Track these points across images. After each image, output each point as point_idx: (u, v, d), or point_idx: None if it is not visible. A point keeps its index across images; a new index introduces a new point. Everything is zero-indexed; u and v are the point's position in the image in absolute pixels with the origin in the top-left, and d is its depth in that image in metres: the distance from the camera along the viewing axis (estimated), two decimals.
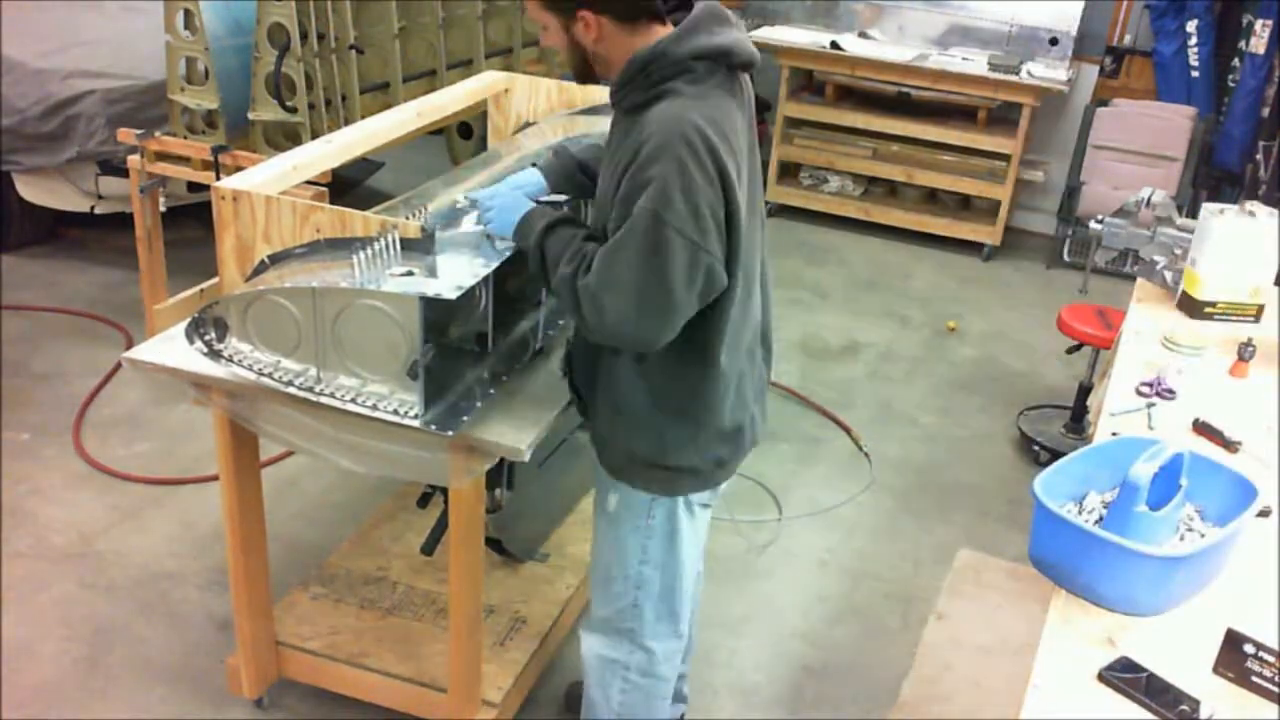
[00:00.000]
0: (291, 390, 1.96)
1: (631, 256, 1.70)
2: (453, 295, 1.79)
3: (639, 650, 2.15)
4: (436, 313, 1.99)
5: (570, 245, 1.82)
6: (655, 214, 1.68)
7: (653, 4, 1.79)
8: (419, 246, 1.89)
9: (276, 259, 2.00)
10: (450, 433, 1.89)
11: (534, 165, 2.14)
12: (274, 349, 1.99)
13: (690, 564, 2.12)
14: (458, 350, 2.14)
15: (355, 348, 1.93)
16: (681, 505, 2.03)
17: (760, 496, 3.59)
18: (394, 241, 1.89)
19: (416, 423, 1.90)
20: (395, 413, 1.91)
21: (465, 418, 1.93)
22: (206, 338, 2.03)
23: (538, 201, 1.98)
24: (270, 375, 1.99)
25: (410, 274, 1.86)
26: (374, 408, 1.93)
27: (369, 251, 1.88)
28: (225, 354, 2.02)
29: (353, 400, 1.94)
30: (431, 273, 1.86)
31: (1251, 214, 2.64)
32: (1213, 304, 2.70)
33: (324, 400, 1.95)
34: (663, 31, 1.79)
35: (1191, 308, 2.73)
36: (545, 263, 1.85)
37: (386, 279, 1.85)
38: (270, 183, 2.14)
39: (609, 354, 1.93)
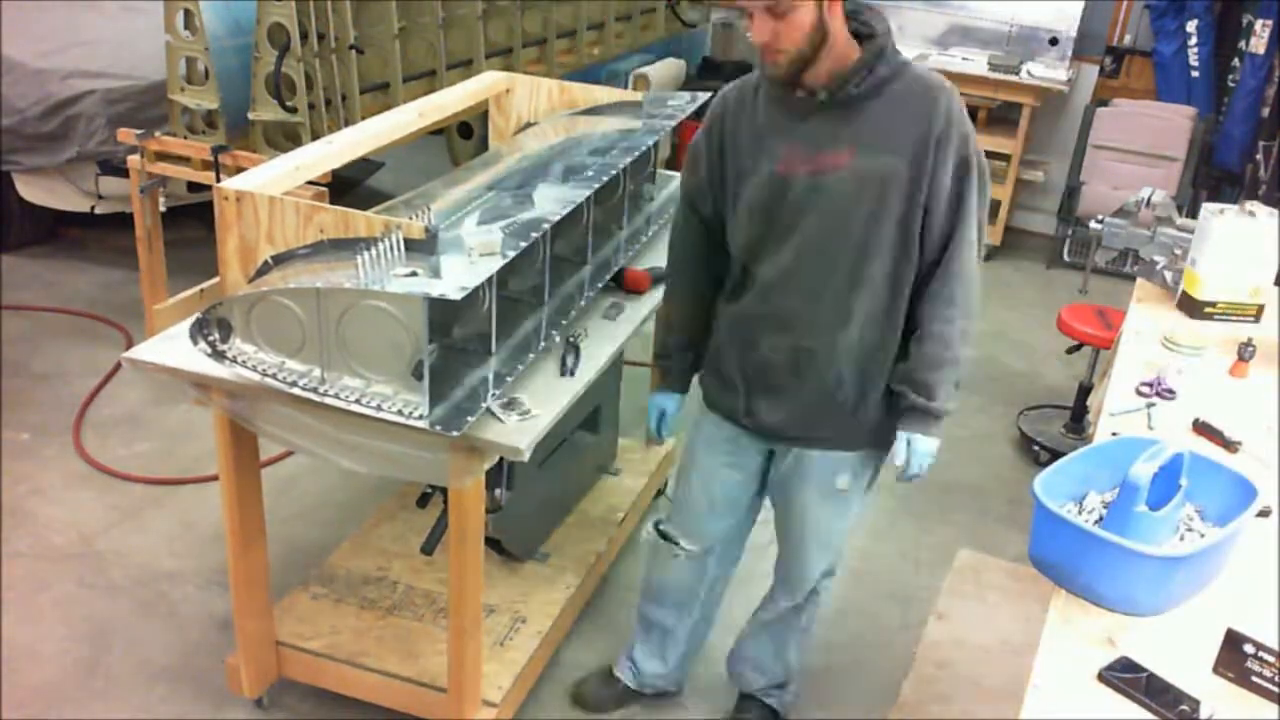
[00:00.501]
0: (296, 391, 1.96)
1: (980, 198, 2.01)
2: (457, 296, 1.79)
3: (813, 606, 2.49)
4: (440, 313, 1.98)
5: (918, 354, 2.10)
6: (979, 156, 2.00)
7: None
8: (422, 247, 1.89)
9: (280, 260, 1.99)
10: (455, 433, 1.89)
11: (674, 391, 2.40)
12: (278, 350, 1.99)
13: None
14: (461, 351, 2.13)
15: (360, 348, 1.92)
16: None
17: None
18: (398, 242, 1.89)
19: (422, 424, 1.89)
20: (400, 413, 1.91)
21: (470, 418, 1.92)
22: (210, 339, 2.03)
23: None
24: (275, 376, 1.98)
25: (415, 274, 1.86)
26: (378, 408, 1.92)
27: (373, 252, 1.87)
28: (229, 355, 2.01)
29: (357, 401, 1.93)
30: (435, 273, 1.85)
31: (1251, 214, 2.64)
32: (1213, 304, 2.70)
33: (329, 401, 1.94)
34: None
35: (1191, 308, 2.73)
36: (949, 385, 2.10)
37: (391, 279, 1.85)
38: (273, 183, 2.13)
39: (898, 314, 2.08)
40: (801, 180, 1.99)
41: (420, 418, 1.90)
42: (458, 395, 2.00)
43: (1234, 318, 2.69)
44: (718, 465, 2.33)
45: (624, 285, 2.60)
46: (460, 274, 1.86)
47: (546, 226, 2.15)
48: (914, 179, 1.95)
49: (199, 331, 2.03)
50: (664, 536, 2.47)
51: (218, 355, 2.01)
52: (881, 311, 2.06)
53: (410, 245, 1.89)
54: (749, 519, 2.46)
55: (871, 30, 1.97)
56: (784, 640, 2.57)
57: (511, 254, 1.98)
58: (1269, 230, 2.62)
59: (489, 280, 2.01)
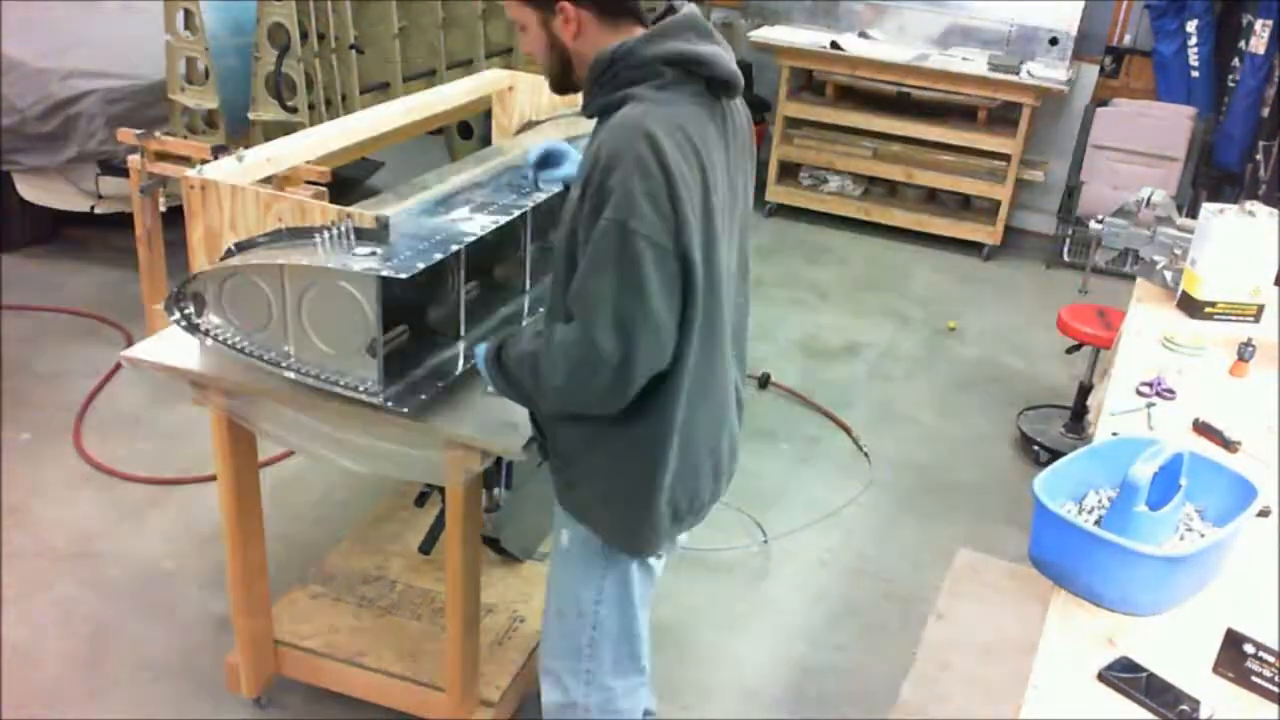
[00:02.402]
0: (261, 365, 2.01)
1: (607, 275, 1.58)
2: (404, 275, 1.83)
3: (597, 690, 2.01)
4: (407, 295, 2.06)
5: (526, 334, 1.79)
6: (621, 224, 1.56)
7: (635, 2, 1.69)
8: (373, 235, 1.94)
9: (242, 246, 2.04)
10: (405, 410, 1.93)
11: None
12: (248, 325, 2.04)
13: (648, 605, 2.00)
14: (432, 334, 2.20)
15: (321, 325, 1.97)
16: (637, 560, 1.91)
17: (760, 502, 3.59)
18: (349, 229, 1.94)
19: (376, 400, 1.94)
20: (354, 389, 1.95)
21: (423, 396, 1.97)
22: (186, 311, 2.07)
23: None
24: (243, 350, 2.03)
25: (374, 254, 1.91)
26: (334, 383, 1.97)
27: (327, 238, 1.93)
28: (203, 328, 2.06)
29: (316, 375, 1.98)
30: (391, 257, 1.90)
31: (1251, 214, 2.64)
32: (1213, 304, 2.70)
33: (289, 375, 1.99)
34: (630, 36, 1.69)
35: (1191, 308, 2.72)
36: (509, 369, 1.78)
37: (350, 259, 1.89)
38: (241, 173, 2.17)
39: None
40: None
41: (373, 394, 1.94)
42: (417, 375, 2.05)
43: (1234, 318, 2.69)
44: None
45: None
46: (420, 257, 1.91)
47: (517, 212, 2.19)
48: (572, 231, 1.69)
49: (175, 304, 2.07)
50: None
51: (192, 328, 2.06)
52: None
53: (361, 233, 1.94)
54: None
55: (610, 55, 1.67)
56: None
57: (470, 238, 2.01)
58: (1269, 230, 2.62)
59: (456, 265, 2.09)
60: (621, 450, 1.78)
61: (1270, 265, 2.66)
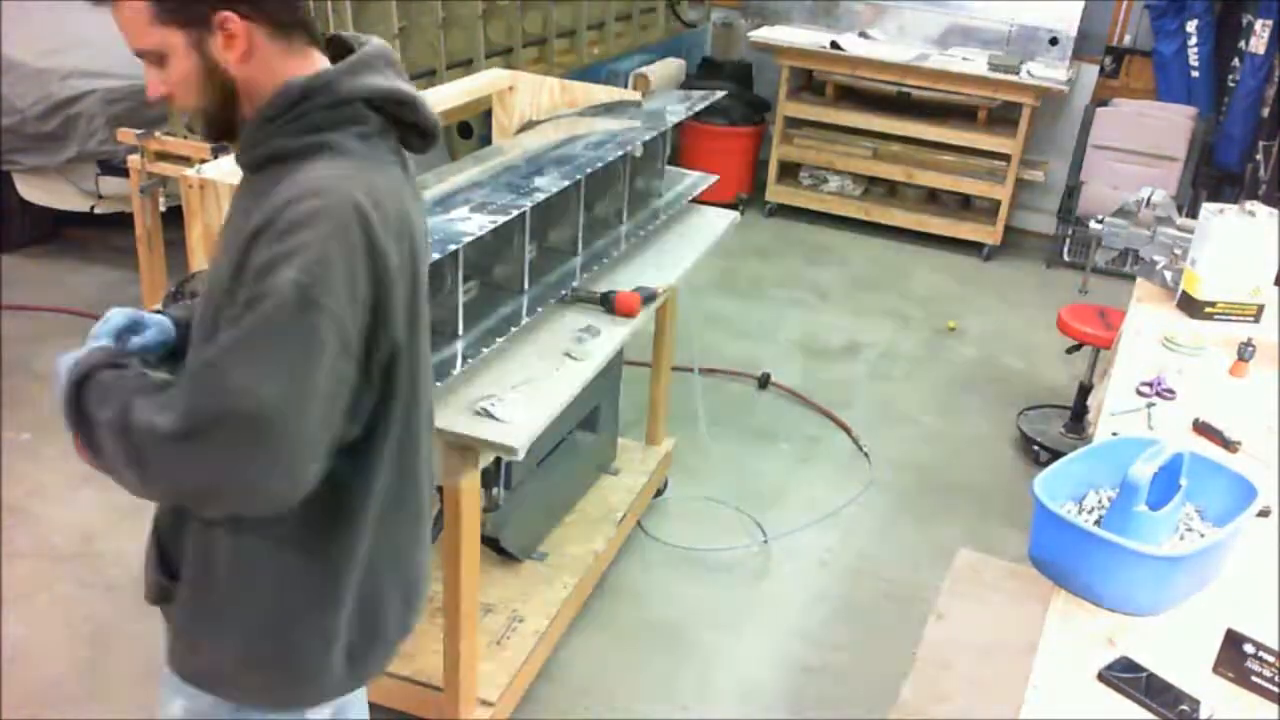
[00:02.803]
0: None
1: (269, 348, 1.18)
2: None
3: None
4: None
5: (123, 382, 1.29)
6: (304, 288, 1.17)
7: (307, 17, 1.33)
8: None
9: None
10: None
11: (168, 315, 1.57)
12: None
13: None
14: (431, 333, 2.18)
15: None
16: None
17: (759, 502, 3.59)
18: None
19: None
20: None
21: None
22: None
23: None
24: None
25: None
26: None
27: None
28: None
29: None
30: None
31: (1251, 214, 2.63)
32: (1213, 304, 2.70)
33: None
34: (323, 64, 1.34)
35: (1191, 308, 2.72)
36: (87, 415, 1.28)
37: None
38: (237, 172, 2.17)
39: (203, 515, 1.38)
40: None
41: None
42: None
43: (1234, 318, 2.69)
44: None
45: (615, 309, 2.50)
46: None
47: (516, 212, 2.19)
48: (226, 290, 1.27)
49: (173, 302, 2.06)
50: None
51: None
52: None
53: None
54: None
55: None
56: None
57: (468, 238, 2.00)
58: (1269, 230, 2.62)
59: (454, 265, 2.09)
60: (285, 581, 1.40)
61: (1270, 265, 2.66)
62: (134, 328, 1.48)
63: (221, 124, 1.35)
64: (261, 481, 1.21)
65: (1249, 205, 2.66)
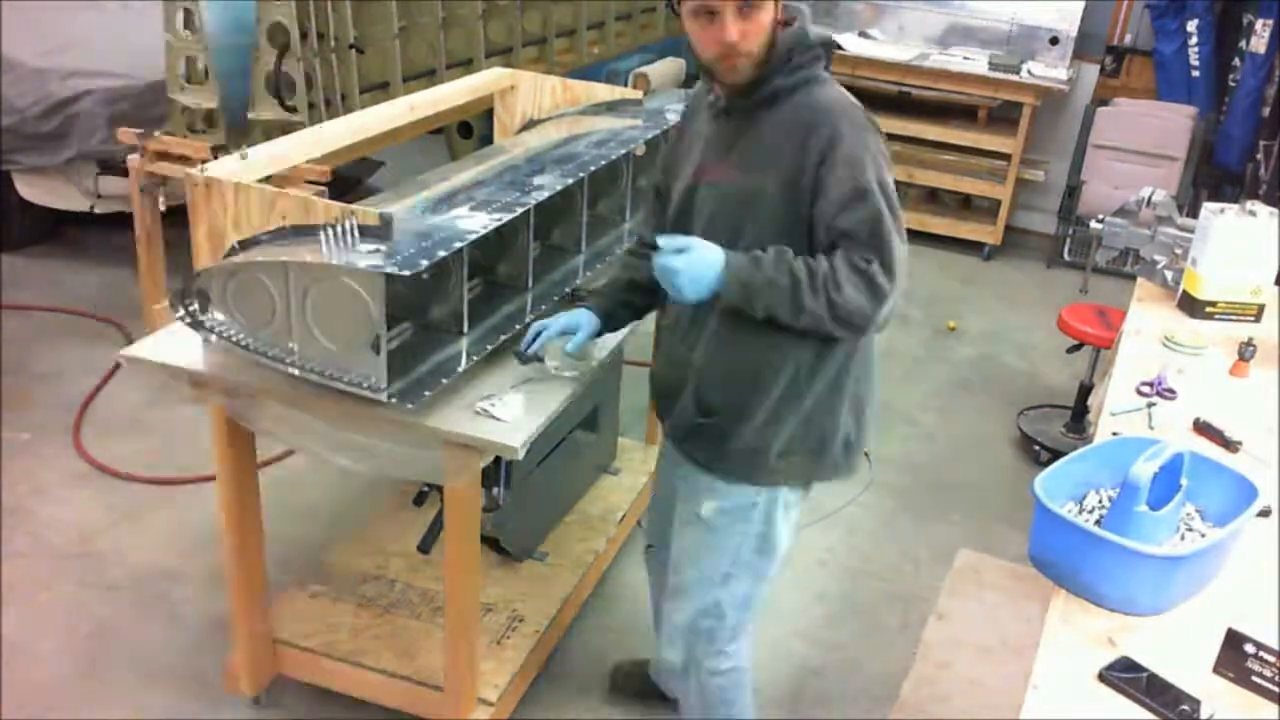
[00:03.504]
0: (266, 361, 2.01)
1: (890, 226, 1.77)
2: (409, 272, 1.84)
3: (716, 654, 2.15)
4: (410, 293, 2.07)
5: (783, 256, 1.80)
6: (884, 184, 1.78)
7: None
8: (377, 233, 1.95)
9: (245, 245, 2.04)
10: (411, 405, 1.93)
11: (584, 307, 2.13)
12: (252, 322, 2.04)
13: (778, 565, 2.12)
14: (435, 330, 2.20)
15: (325, 322, 1.97)
16: (781, 504, 2.03)
17: None
18: (353, 227, 1.95)
19: (380, 396, 1.93)
20: (359, 386, 1.95)
21: (428, 393, 1.97)
22: (191, 308, 2.07)
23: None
24: (248, 346, 2.03)
25: (378, 251, 1.91)
26: (338, 380, 1.97)
27: (331, 235, 1.94)
28: (207, 325, 2.06)
29: (320, 373, 1.97)
30: (395, 254, 1.90)
31: (1252, 214, 2.63)
32: (1213, 304, 2.70)
33: (293, 371, 1.99)
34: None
35: (1192, 307, 2.72)
36: (775, 282, 1.79)
37: (355, 257, 1.89)
38: (243, 171, 2.17)
39: (768, 343, 1.89)
40: (700, 191, 1.94)
41: (378, 390, 1.94)
42: (421, 371, 2.05)
43: (1234, 318, 2.69)
44: (660, 468, 2.34)
45: None
46: (424, 254, 1.91)
47: (520, 210, 2.19)
48: (789, 203, 1.82)
49: (180, 300, 2.07)
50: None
51: (196, 324, 2.06)
52: (753, 334, 1.88)
53: (365, 230, 1.95)
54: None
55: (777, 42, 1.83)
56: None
57: (473, 236, 2.01)
58: (1269, 230, 2.62)
59: (458, 263, 2.10)
60: (825, 383, 1.96)
61: (1271, 265, 2.66)
62: (567, 330, 2.09)
63: (761, 68, 1.81)
64: (871, 322, 1.82)
65: (1250, 205, 2.67)
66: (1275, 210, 2.66)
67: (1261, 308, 2.69)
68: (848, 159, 1.77)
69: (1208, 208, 2.69)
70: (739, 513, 2.04)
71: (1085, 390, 3.97)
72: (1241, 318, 2.69)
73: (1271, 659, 1.48)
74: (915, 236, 6.20)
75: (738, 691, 2.23)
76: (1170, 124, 5.48)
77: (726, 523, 2.04)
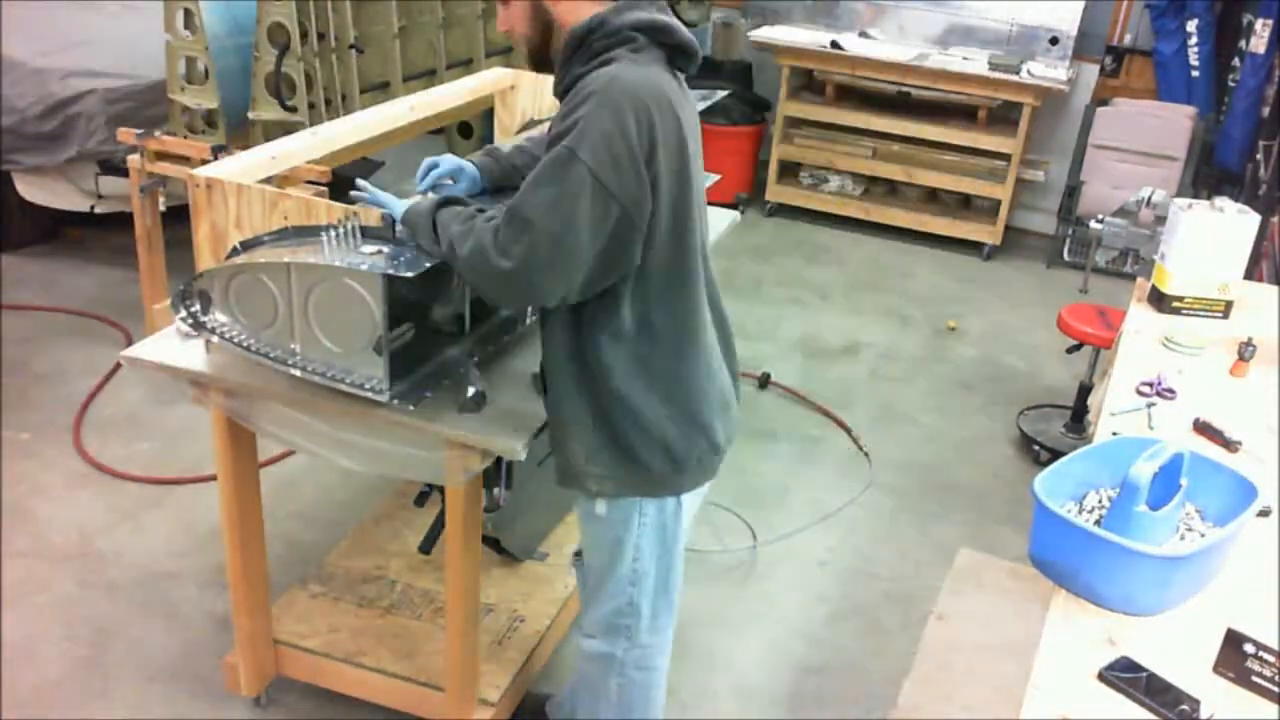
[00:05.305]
0: (267, 363, 2.01)
1: (543, 194, 1.65)
2: (411, 273, 1.84)
3: (636, 647, 2.15)
4: (412, 294, 2.07)
5: (465, 213, 1.79)
6: (571, 151, 1.63)
7: None
8: (379, 234, 1.95)
9: (248, 245, 2.04)
10: (412, 406, 1.94)
11: (471, 162, 2.14)
12: (254, 323, 2.04)
13: (682, 553, 2.12)
14: (436, 331, 2.20)
15: (327, 323, 1.97)
16: (671, 501, 2.01)
17: (759, 502, 3.59)
18: (355, 228, 1.95)
19: (382, 397, 1.94)
20: (361, 387, 1.95)
21: (428, 394, 1.98)
22: (192, 309, 2.07)
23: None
24: (250, 348, 2.03)
25: (380, 253, 1.91)
26: (340, 381, 1.97)
27: (333, 236, 1.94)
28: (209, 326, 2.06)
29: (322, 374, 1.98)
30: (397, 255, 1.90)
31: (1220, 210, 2.62)
32: (1180, 299, 2.69)
33: (294, 373, 1.99)
34: (601, 8, 1.77)
35: (1160, 302, 2.71)
36: (438, 231, 1.79)
37: (357, 258, 1.90)
38: (245, 172, 2.17)
39: (589, 355, 1.84)
40: None
41: (380, 392, 1.94)
42: (422, 373, 2.06)
43: (1201, 313, 2.68)
44: None
45: None
46: (426, 255, 1.91)
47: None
48: None
49: (181, 302, 2.07)
50: None
51: (198, 326, 2.06)
52: (546, 334, 1.90)
53: (367, 231, 1.95)
54: None
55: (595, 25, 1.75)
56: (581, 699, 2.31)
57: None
58: (1237, 226, 2.60)
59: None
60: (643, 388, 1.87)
61: (1239, 262, 2.64)
62: (454, 174, 2.08)
63: (540, 57, 1.83)
64: (496, 295, 1.83)
65: (1218, 201, 2.65)
66: (1244, 207, 2.65)
67: (1229, 304, 2.67)
68: (572, 125, 1.67)
69: (1176, 203, 2.66)
70: (589, 519, 2.04)
71: (1085, 390, 3.97)
72: (1209, 314, 2.67)
73: (1271, 659, 1.48)
74: (915, 236, 6.23)
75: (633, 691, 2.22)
76: (1170, 124, 5.48)
77: (586, 525, 2.08)
